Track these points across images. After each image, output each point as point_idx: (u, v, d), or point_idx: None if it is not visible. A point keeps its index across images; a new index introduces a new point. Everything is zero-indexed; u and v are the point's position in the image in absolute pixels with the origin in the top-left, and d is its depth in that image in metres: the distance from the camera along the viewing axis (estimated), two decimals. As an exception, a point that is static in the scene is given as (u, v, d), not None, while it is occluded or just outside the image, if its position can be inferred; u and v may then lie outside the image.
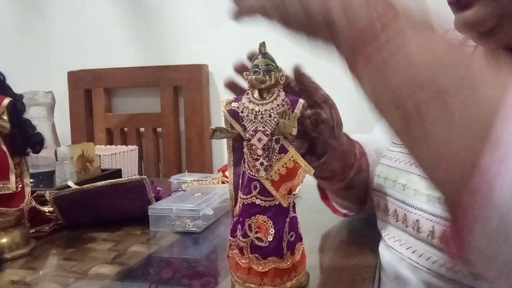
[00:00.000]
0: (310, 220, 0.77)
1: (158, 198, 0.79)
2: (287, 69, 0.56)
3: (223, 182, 0.94)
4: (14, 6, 1.55)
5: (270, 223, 0.45)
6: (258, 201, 0.45)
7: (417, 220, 0.52)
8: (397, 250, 0.56)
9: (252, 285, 0.46)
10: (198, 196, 0.78)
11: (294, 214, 0.48)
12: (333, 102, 0.61)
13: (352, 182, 0.68)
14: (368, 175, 0.70)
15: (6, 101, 0.63)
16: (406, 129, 0.35)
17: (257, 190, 0.45)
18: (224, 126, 0.48)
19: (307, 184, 0.79)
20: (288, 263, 0.46)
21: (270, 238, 0.45)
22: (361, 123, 0.84)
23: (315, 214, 0.79)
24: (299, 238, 0.49)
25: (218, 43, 1.33)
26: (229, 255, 0.49)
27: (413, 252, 0.53)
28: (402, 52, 0.35)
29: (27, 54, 1.55)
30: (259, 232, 0.45)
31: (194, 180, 0.96)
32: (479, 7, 0.48)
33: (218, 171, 1.01)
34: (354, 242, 0.67)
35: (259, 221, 0.45)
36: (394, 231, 0.58)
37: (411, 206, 0.54)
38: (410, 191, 0.54)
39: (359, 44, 0.37)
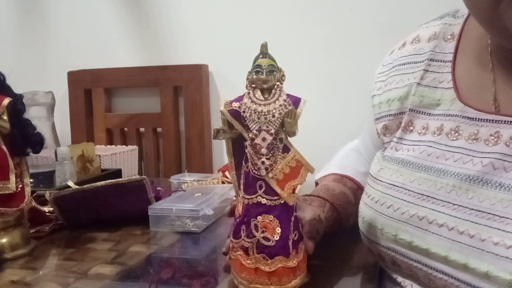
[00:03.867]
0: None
1: (158, 198, 0.79)
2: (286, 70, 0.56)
3: (223, 182, 0.94)
4: (14, 6, 1.55)
5: (276, 222, 0.46)
6: (264, 201, 0.46)
7: (446, 286, 0.44)
8: None
9: (258, 286, 0.46)
10: (198, 196, 0.78)
11: (296, 213, 0.49)
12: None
13: (331, 226, 0.62)
14: (341, 220, 0.64)
15: (6, 101, 0.63)
16: None
17: (263, 189, 0.46)
18: (222, 126, 0.49)
19: (308, 184, 0.79)
20: (294, 261, 0.47)
21: (276, 237, 0.46)
22: (361, 122, 0.84)
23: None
24: (301, 237, 0.50)
25: (218, 43, 1.33)
26: (231, 257, 0.49)
27: None
28: None
29: (27, 54, 1.54)
30: (266, 231, 0.46)
31: (194, 180, 0.96)
32: None
33: (218, 171, 1.02)
34: (354, 242, 0.66)
35: (266, 220, 0.46)
36: (417, 286, 0.49)
37: (431, 268, 0.45)
38: (420, 250, 0.46)
39: None
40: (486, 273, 0.39)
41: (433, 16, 0.59)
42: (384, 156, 0.55)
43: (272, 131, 0.45)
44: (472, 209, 0.42)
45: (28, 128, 0.67)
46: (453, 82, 0.51)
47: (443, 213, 0.44)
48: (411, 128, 0.53)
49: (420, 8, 1.08)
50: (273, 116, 0.45)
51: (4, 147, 0.64)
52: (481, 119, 0.46)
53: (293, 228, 0.47)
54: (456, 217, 0.43)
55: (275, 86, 0.46)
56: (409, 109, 0.54)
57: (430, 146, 0.49)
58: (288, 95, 0.47)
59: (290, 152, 0.47)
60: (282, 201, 0.46)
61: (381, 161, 0.55)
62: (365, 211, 0.54)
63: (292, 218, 0.47)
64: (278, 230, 0.46)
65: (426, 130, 0.51)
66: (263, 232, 0.46)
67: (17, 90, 0.66)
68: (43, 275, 0.56)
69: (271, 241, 0.46)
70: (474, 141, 0.46)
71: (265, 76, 0.45)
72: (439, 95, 0.51)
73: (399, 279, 0.51)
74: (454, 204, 0.44)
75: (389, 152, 0.55)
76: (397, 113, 0.55)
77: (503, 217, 0.40)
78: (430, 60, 0.54)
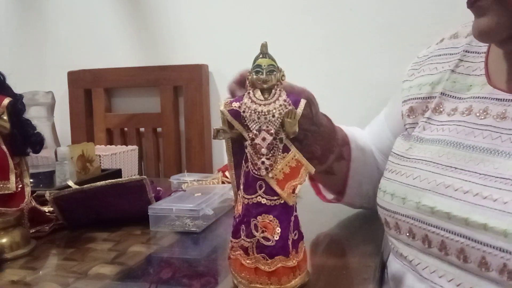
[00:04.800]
0: (310, 220, 0.77)
1: (158, 198, 0.79)
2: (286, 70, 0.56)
3: (223, 182, 0.94)
4: (14, 6, 1.55)
5: (276, 222, 0.46)
6: (263, 201, 0.46)
7: (462, 249, 0.46)
8: (437, 284, 0.49)
9: (258, 285, 0.46)
10: (198, 196, 0.78)
11: (296, 213, 0.49)
12: (309, 93, 0.59)
13: (331, 167, 0.67)
14: (349, 166, 0.69)
15: (6, 101, 0.63)
16: None
17: (263, 189, 0.46)
18: (222, 126, 0.49)
19: (308, 184, 0.79)
20: (294, 261, 0.47)
21: (276, 237, 0.46)
22: (361, 122, 0.84)
23: (315, 214, 0.79)
24: (301, 237, 0.50)
25: (218, 43, 1.33)
26: (231, 256, 0.49)
27: (458, 285, 0.47)
28: None
29: (27, 54, 1.54)
30: (266, 231, 0.46)
31: (194, 180, 0.96)
32: (493, 16, 0.47)
33: (218, 171, 1.01)
34: (354, 242, 0.67)
35: (266, 220, 0.46)
36: (428, 259, 0.51)
37: (449, 232, 0.47)
38: (442, 215, 0.48)
39: None
40: (505, 231, 0.42)
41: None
42: (411, 136, 0.59)
43: (272, 131, 0.45)
44: (497, 177, 0.45)
45: (28, 128, 0.67)
46: (485, 69, 0.55)
47: (469, 181, 0.47)
48: (441, 109, 0.57)
49: (420, 8, 1.08)
50: (273, 116, 0.45)
51: (4, 147, 0.64)
52: (509, 100, 0.50)
53: (293, 228, 0.47)
54: (481, 184, 0.46)
55: (275, 86, 0.46)
56: (441, 93, 0.58)
57: (459, 125, 0.53)
58: (288, 95, 0.47)
59: (290, 152, 0.47)
60: (282, 201, 0.46)
61: (408, 141, 0.59)
62: (388, 184, 0.57)
63: (292, 218, 0.47)
64: (278, 230, 0.46)
65: (455, 111, 0.55)
66: (263, 232, 0.46)
67: (17, 90, 0.66)
68: (43, 275, 0.56)
69: (271, 241, 0.46)
70: (503, 119, 0.49)
71: (265, 76, 0.45)
72: (470, 81, 0.56)
73: (410, 257, 0.53)
74: (480, 174, 0.47)
75: (417, 131, 0.58)
76: (426, 97, 0.60)
77: None
78: (466, 51, 0.59)
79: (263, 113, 0.45)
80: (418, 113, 0.61)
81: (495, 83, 0.53)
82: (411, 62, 0.68)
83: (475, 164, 0.48)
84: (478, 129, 0.51)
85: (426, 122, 0.58)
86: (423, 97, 0.60)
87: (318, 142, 0.61)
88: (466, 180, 0.48)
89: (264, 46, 0.46)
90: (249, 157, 0.47)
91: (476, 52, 0.58)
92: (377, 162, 0.75)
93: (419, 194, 0.51)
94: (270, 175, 0.45)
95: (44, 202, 0.72)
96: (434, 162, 0.52)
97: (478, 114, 0.52)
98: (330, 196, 0.77)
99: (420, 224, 0.51)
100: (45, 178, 0.94)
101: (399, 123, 0.65)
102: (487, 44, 0.57)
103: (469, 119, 0.52)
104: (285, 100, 0.46)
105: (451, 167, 0.50)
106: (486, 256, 0.43)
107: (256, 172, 0.46)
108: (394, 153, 0.60)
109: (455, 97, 0.56)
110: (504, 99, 0.50)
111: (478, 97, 0.53)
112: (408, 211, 0.52)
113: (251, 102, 0.46)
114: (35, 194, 0.72)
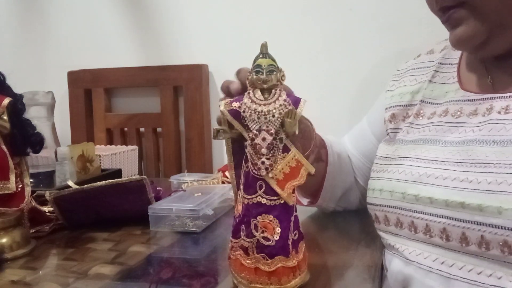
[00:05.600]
0: (310, 220, 0.77)
1: (158, 198, 0.79)
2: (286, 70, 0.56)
3: (223, 182, 0.94)
4: (14, 6, 1.55)
5: (276, 222, 0.46)
6: (264, 201, 0.46)
7: (444, 229, 0.51)
8: (422, 264, 0.54)
9: (258, 285, 0.46)
10: (198, 196, 0.78)
11: (296, 213, 0.49)
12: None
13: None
14: (326, 168, 0.74)
15: (6, 101, 0.63)
16: None
17: (263, 189, 0.46)
18: (222, 126, 0.49)
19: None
20: (294, 261, 0.47)
21: (276, 237, 0.46)
22: (352, 121, 0.85)
23: (315, 214, 0.79)
24: (301, 237, 0.50)
25: (218, 43, 1.33)
26: (231, 256, 0.49)
27: (442, 263, 0.52)
28: None
29: (27, 54, 1.54)
30: (266, 231, 0.46)
31: (194, 180, 0.96)
32: (469, 25, 0.53)
33: (218, 171, 1.01)
34: (354, 242, 0.67)
35: (266, 220, 0.46)
36: (414, 244, 0.56)
37: (432, 215, 0.53)
38: (425, 200, 0.54)
39: None
40: (480, 205, 0.48)
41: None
42: (396, 140, 0.66)
43: (272, 131, 0.45)
44: (471, 163, 0.52)
45: (28, 128, 0.67)
46: (458, 77, 0.63)
47: (448, 169, 0.53)
48: (422, 114, 0.64)
49: (420, 8, 1.08)
50: (273, 116, 0.45)
51: (4, 147, 0.64)
52: (479, 99, 0.57)
53: (293, 228, 0.47)
54: (458, 170, 0.52)
55: (276, 87, 0.46)
56: (421, 100, 0.65)
57: (438, 125, 0.60)
58: (288, 95, 0.47)
59: (290, 152, 0.47)
60: (282, 201, 0.46)
61: (392, 145, 0.66)
62: (376, 182, 0.62)
63: (292, 218, 0.47)
64: (278, 230, 0.46)
65: (434, 115, 0.62)
66: (263, 232, 0.46)
67: (17, 90, 0.66)
68: (43, 275, 0.56)
69: (271, 241, 0.46)
70: (474, 115, 0.56)
71: (265, 76, 0.45)
72: (446, 88, 0.63)
73: (397, 245, 0.58)
74: (457, 162, 0.53)
75: (402, 135, 0.65)
76: (407, 105, 0.67)
77: (497, 164, 0.49)
78: (440, 63, 0.67)
79: (263, 113, 0.45)
80: (399, 119, 0.67)
81: (467, 87, 0.61)
82: (392, 74, 0.75)
83: (452, 155, 0.54)
84: (454, 127, 0.58)
85: (409, 126, 0.64)
86: (404, 105, 0.67)
87: (299, 140, 0.64)
88: (445, 169, 0.54)
89: (264, 46, 0.46)
90: (249, 157, 0.47)
91: (449, 64, 0.66)
92: (354, 167, 0.79)
93: (405, 186, 0.57)
94: (270, 175, 0.45)
95: (44, 202, 0.72)
96: (417, 158, 0.58)
97: (453, 114, 0.59)
98: (304, 201, 0.80)
99: (406, 212, 0.56)
100: (45, 178, 0.94)
101: (382, 128, 0.71)
102: (458, 56, 0.65)
103: (446, 119, 0.59)
104: (285, 100, 0.46)
105: (432, 160, 0.56)
106: (466, 232, 0.49)
107: (256, 172, 0.46)
108: (380, 156, 0.66)
109: (433, 103, 0.63)
110: (475, 99, 0.58)
111: (453, 100, 0.60)
112: (395, 203, 0.58)
113: (251, 102, 0.46)
114: (35, 194, 0.72)
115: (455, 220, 0.50)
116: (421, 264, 0.54)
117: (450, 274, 0.51)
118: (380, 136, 0.72)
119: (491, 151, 0.51)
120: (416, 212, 0.55)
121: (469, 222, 0.49)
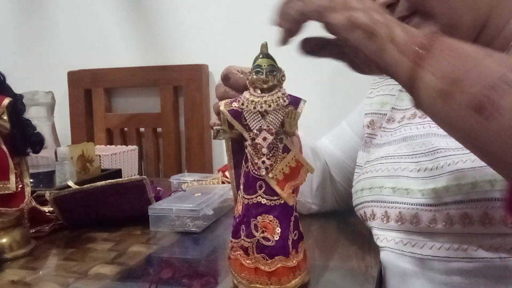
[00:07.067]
0: (310, 220, 0.77)
1: (158, 198, 0.79)
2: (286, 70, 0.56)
3: (223, 182, 0.94)
4: (14, 6, 1.55)
5: (276, 222, 0.46)
6: (263, 201, 0.46)
7: (416, 214, 0.55)
8: (394, 248, 0.58)
9: (258, 285, 0.46)
10: (198, 196, 0.78)
11: (296, 213, 0.49)
12: None
13: None
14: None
15: (6, 101, 0.63)
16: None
17: (263, 189, 0.46)
18: (222, 126, 0.49)
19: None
20: (294, 261, 0.47)
21: (276, 237, 0.46)
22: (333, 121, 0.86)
23: (315, 214, 0.79)
24: (301, 237, 0.50)
25: (218, 43, 1.33)
26: (231, 256, 0.49)
27: (412, 246, 0.56)
28: (455, 52, 0.41)
29: (27, 54, 1.54)
30: (266, 231, 0.46)
31: (194, 180, 0.96)
32: (425, 30, 0.54)
33: (218, 171, 1.01)
34: (354, 242, 0.67)
35: (266, 220, 0.46)
36: (385, 233, 0.60)
37: (406, 204, 0.57)
38: (402, 191, 0.58)
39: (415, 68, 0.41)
40: (446, 186, 0.53)
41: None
42: (372, 145, 0.71)
43: (273, 131, 0.46)
44: (429, 152, 0.58)
45: (28, 128, 0.67)
46: None
47: (416, 162, 0.59)
48: (393, 119, 0.70)
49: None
50: (269, 106, 0.45)
51: (4, 147, 0.64)
52: None
53: (293, 228, 0.47)
54: (422, 161, 0.58)
55: (276, 87, 0.46)
56: (392, 108, 0.71)
57: (407, 126, 0.65)
58: (288, 95, 0.47)
59: (290, 152, 0.47)
60: (282, 201, 0.46)
61: (368, 152, 0.71)
62: (357, 185, 0.66)
63: (292, 218, 0.47)
64: (278, 230, 0.46)
65: (403, 119, 0.67)
66: (263, 232, 0.46)
67: (17, 90, 0.66)
68: (43, 275, 0.56)
69: (271, 241, 0.46)
70: None
71: (265, 76, 0.45)
72: None
73: (375, 236, 0.61)
74: (421, 153, 0.59)
75: (377, 140, 0.70)
76: (383, 113, 0.73)
77: (447, 148, 0.56)
78: None
79: (259, 103, 0.45)
80: (376, 126, 0.73)
81: None
82: (371, 83, 0.80)
83: (419, 147, 0.60)
84: (420, 125, 0.63)
85: (382, 131, 0.70)
86: (381, 113, 0.73)
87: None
88: (414, 162, 0.59)
89: (264, 46, 0.46)
90: (249, 157, 0.47)
91: None
92: (331, 164, 0.82)
93: (382, 181, 0.62)
94: (270, 175, 0.45)
95: (44, 202, 0.72)
96: (390, 156, 0.63)
97: (420, 116, 0.64)
98: None
99: (388, 204, 0.60)
100: (45, 178, 0.94)
101: (361, 130, 0.76)
102: None
103: (414, 120, 0.65)
104: (283, 94, 0.46)
105: (403, 155, 0.62)
106: (436, 214, 0.53)
107: (256, 172, 0.46)
108: (358, 165, 0.72)
109: (403, 109, 0.69)
110: None
111: None
112: (376, 197, 0.61)
113: (249, 95, 0.46)
114: (35, 194, 0.72)
115: (427, 205, 0.55)
116: (393, 249, 0.58)
117: (422, 254, 0.54)
118: (361, 134, 0.76)
119: (444, 140, 0.57)
120: (390, 203, 0.59)
121: (438, 205, 0.53)
